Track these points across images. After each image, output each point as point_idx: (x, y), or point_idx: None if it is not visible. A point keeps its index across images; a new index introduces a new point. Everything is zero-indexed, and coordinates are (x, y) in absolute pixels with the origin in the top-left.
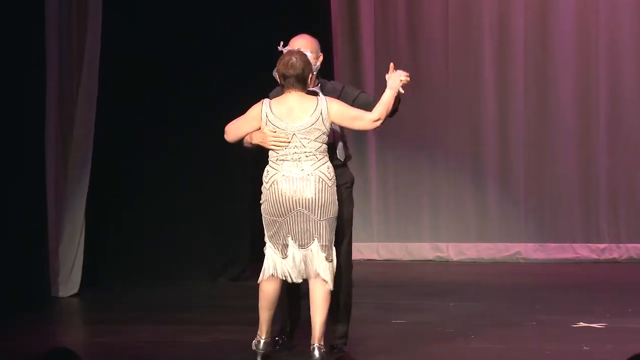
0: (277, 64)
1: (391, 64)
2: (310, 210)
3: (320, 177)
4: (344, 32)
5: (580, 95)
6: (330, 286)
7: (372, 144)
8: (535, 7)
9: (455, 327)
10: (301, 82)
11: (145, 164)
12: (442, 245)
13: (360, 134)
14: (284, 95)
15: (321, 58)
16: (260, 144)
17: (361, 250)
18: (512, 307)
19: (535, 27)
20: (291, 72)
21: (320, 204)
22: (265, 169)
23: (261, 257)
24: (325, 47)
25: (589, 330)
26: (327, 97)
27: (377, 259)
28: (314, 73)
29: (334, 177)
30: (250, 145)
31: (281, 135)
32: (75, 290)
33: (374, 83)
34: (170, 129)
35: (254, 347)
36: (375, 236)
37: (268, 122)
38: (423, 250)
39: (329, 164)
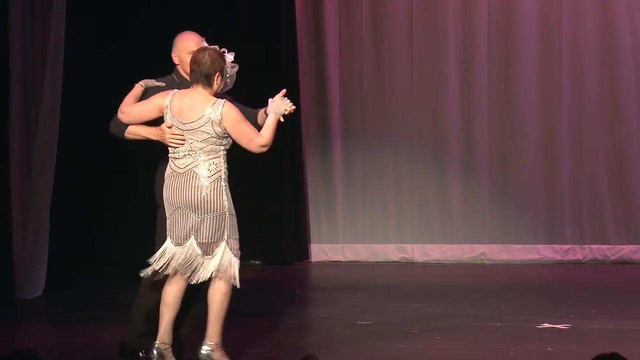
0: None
1: (283, 90)
2: (190, 208)
3: (200, 174)
4: (309, 42)
5: (543, 98)
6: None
7: (337, 145)
8: (499, 7)
9: (420, 328)
10: (205, 79)
11: (111, 163)
12: (407, 246)
13: (325, 134)
14: (188, 89)
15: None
16: (159, 138)
17: (326, 252)
18: (477, 308)
19: (498, 28)
20: (195, 67)
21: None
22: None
23: None
24: (291, 53)
25: (554, 331)
26: (230, 105)
27: (342, 260)
28: (223, 73)
29: (216, 175)
30: (134, 137)
31: (177, 132)
32: (39, 292)
33: (338, 87)
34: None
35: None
36: (341, 237)
37: (167, 115)
38: (388, 251)
39: (211, 162)
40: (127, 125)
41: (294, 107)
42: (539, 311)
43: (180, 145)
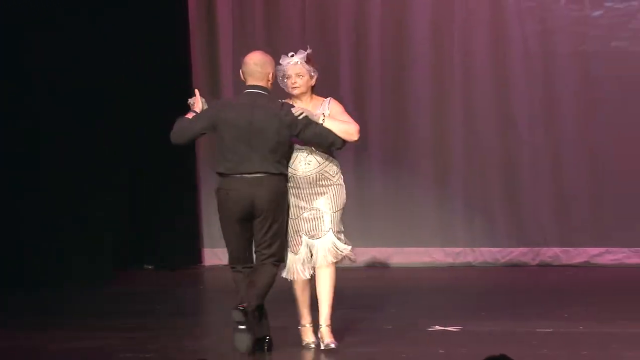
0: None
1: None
2: None
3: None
4: (202, 43)
5: (436, 102)
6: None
7: None
8: (391, 12)
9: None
10: None
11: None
12: None
13: None
14: None
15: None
16: None
17: (219, 256)
18: (368, 311)
19: (391, 33)
20: None
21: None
22: None
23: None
24: (184, 55)
25: (445, 334)
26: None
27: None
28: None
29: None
30: None
31: None
32: None
33: (232, 88)
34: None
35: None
36: None
37: None
38: None
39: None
40: None
41: None
42: (431, 314)
43: None
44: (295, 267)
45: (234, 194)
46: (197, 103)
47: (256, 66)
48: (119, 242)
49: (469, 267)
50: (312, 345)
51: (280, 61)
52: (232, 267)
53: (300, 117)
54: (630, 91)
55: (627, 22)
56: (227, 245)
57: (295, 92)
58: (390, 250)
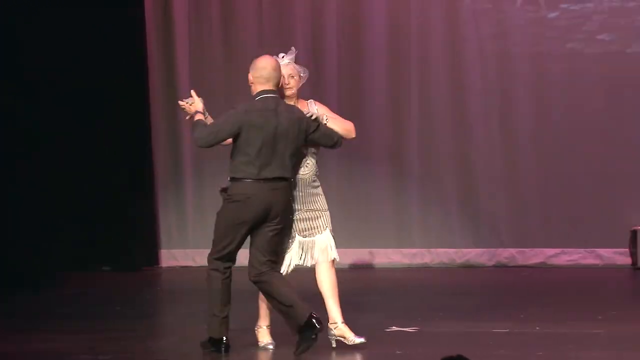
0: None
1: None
2: None
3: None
4: (158, 40)
5: (393, 104)
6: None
7: (187, 149)
8: (348, 13)
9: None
10: None
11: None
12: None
13: (175, 136)
14: None
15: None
16: None
17: (176, 257)
18: (325, 313)
19: (348, 33)
20: None
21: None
22: None
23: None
24: (140, 52)
25: (402, 334)
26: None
27: (193, 265)
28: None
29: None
30: None
31: None
32: None
33: (188, 89)
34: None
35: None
36: (191, 242)
37: None
38: (239, 255)
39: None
40: None
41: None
42: (388, 314)
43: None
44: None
45: (254, 200)
46: (198, 103)
47: (275, 72)
48: (76, 243)
49: (425, 268)
50: (270, 347)
51: None
52: (215, 264)
53: (312, 119)
54: (585, 92)
55: (582, 24)
56: (223, 243)
57: (288, 92)
58: (347, 251)
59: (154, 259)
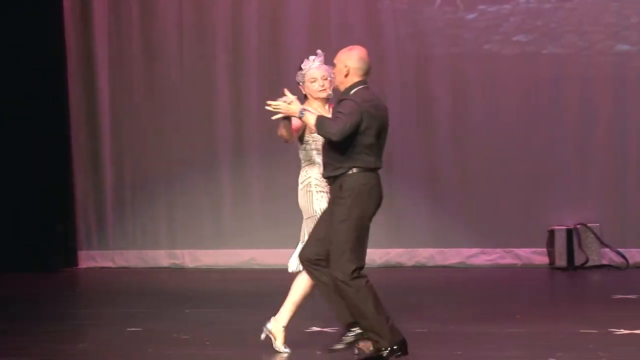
0: None
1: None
2: None
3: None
4: (77, 37)
5: None
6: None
7: (107, 148)
8: (268, 15)
9: (190, 334)
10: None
11: None
12: (178, 252)
13: (95, 137)
14: None
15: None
16: None
17: (95, 258)
18: (248, 313)
19: (267, 34)
20: None
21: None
22: None
23: None
24: (59, 50)
25: (322, 334)
26: (303, 109)
27: (112, 266)
28: (300, 81)
29: (305, 181)
30: None
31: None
32: None
33: (108, 91)
34: None
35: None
36: (110, 243)
37: None
38: (158, 257)
39: (303, 171)
40: None
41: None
42: (309, 315)
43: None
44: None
45: (375, 190)
46: (296, 101)
47: (369, 64)
48: None
49: None
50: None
51: (303, 65)
52: (358, 274)
53: None
54: (502, 93)
55: (499, 25)
56: (358, 249)
57: (323, 94)
58: (267, 252)
59: (73, 260)
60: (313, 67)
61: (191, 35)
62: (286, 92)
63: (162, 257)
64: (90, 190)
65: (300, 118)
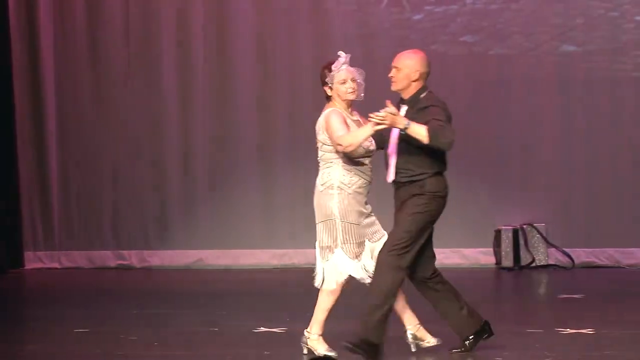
0: None
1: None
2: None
3: (316, 182)
4: (23, 41)
5: (260, 105)
6: (319, 284)
7: (52, 148)
8: (214, 17)
9: (138, 335)
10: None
11: None
12: (125, 252)
13: (40, 136)
14: None
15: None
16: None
17: (42, 259)
18: (195, 314)
19: (213, 36)
20: None
21: (316, 207)
22: None
23: None
24: (3, 52)
25: (270, 335)
26: (332, 111)
27: (59, 267)
28: (328, 83)
29: (327, 182)
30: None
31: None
32: None
33: (54, 89)
34: None
35: None
36: (57, 244)
37: None
38: (105, 258)
39: (324, 171)
40: None
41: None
42: (256, 315)
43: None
44: (357, 273)
45: (447, 196)
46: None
47: None
48: None
49: (293, 268)
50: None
51: (333, 67)
52: (403, 262)
53: None
54: (449, 94)
55: (446, 25)
56: (420, 241)
57: (351, 97)
58: (216, 252)
59: (19, 261)
60: (343, 69)
61: (137, 35)
62: (388, 103)
63: (109, 258)
64: (36, 192)
65: (406, 129)
